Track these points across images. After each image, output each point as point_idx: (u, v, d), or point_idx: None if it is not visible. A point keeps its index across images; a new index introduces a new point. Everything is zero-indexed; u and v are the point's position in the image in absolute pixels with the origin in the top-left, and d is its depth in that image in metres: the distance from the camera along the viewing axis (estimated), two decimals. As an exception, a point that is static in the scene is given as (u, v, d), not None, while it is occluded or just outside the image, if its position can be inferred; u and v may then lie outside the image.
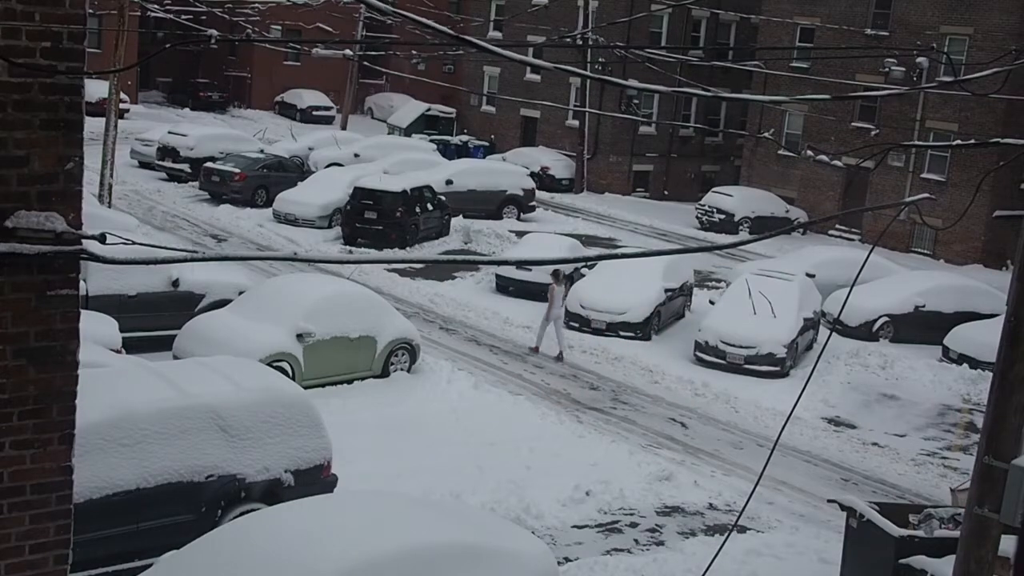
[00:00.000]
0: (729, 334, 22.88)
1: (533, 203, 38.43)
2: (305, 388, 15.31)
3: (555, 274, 23.05)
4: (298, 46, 48.25)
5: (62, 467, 5.21)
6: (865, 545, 12.68)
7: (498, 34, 50.63)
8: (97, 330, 15.72)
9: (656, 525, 15.18)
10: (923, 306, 26.73)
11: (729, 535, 10.40)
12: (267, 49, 54.95)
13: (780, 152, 43.50)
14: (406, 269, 27.99)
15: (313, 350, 18.48)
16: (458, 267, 28.51)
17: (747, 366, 22.67)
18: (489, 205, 36.63)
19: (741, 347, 22.73)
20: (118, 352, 16.09)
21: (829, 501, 14.23)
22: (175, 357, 17.65)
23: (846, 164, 40.79)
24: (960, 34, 38.76)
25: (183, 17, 28.03)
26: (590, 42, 36.80)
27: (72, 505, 5.29)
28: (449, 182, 35.42)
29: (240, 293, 20.25)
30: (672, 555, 14.00)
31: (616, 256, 7.94)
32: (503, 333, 24.08)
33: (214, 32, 13.36)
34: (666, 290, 25.13)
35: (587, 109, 38.39)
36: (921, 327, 26.47)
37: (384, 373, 19.65)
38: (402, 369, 19.93)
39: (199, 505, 11.83)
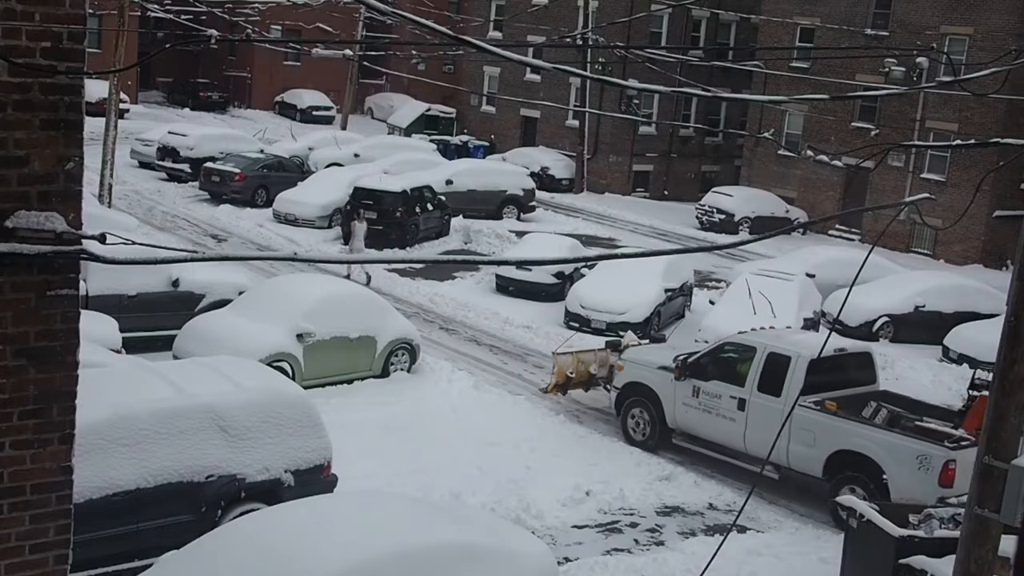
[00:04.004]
0: (729, 334, 22.84)
1: (533, 203, 38.44)
2: (305, 388, 15.31)
3: (357, 214, 27.59)
4: (298, 46, 48.24)
5: (62, 467, 5.21)
6: (865, 545, 12.68)
7: (498, 34, 50.63)
8: (97, 330, 15.72)
9: (656, 525, 15.18)
10: (923, 306, 26.73)
11: (728, 534, 10.40)
12: (267, 49, 54.96)
13: (780, 152, 43.51)
14: (406, 269, 28.00)
15: (313, 350, 18.48)
16: (458, 267, 28.51)
17: (747, 366, 22.67)
18: (489, 205, 36.63)
19: (741, 347, 22.72)
20: (118, 352, 16.09)
21: (829, 501, 14.26)
22: (175, 357, 17.65)
23: (846, 164, 40.78)
24: (960, 34, 38.76)
25: (183, 17, 28.03)
26: (590, 42, 36.80)
27: (72, 505, 5.29)
28: (449, 182, 35.43)
29: (240, 293, 20.25)
30: (672, 555, 14.00)
31: (616, 256, 7.93)
32: (503, 333, 24.07)
33: (214, 32, 13.37)
34: (666, 290, 25.13)
35: (587, 109, 38.42)
36: (921, 327, 26.46)
37: (384, 373, 19.65)
38: (402, 369, 19.93)
39: (199, 505, 11.83)
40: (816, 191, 43.47)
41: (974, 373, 17.61)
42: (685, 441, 17.70)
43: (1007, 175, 35.68)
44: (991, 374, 18.04)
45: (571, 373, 19.12)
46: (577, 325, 24.50)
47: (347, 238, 30.57)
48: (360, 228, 27.08)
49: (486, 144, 50.93)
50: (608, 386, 19.11)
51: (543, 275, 26.77)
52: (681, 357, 17.87)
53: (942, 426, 15.93)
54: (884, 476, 15.07)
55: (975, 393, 16.29)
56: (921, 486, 14.57)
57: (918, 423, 16.10)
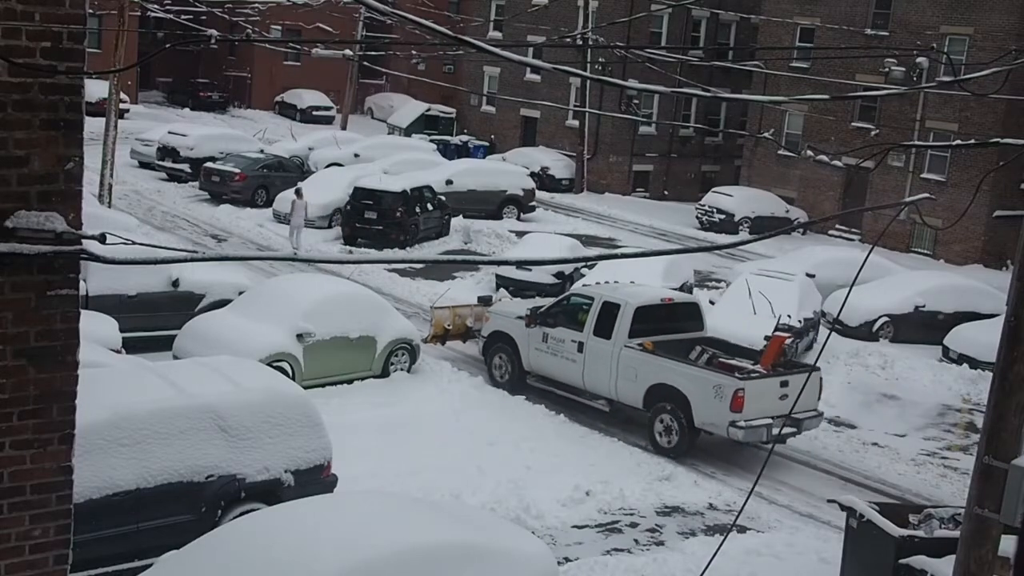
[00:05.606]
0: (729, 334, 22.85)
1: (533, 203, 38.44)
2: (305, 388, 15.30)
3: (297, 192, 28.98)
4: (298, 46, 48.25)
5: (62, 467, 5.21)
6: (865, 545, 12.68)
7: (498, 34, 50.63)
8: (97, 330, 15.71)
9: (656, 525, 15.18)
10: (923, 306, 26.73)
11: (728, 534, 10.40)
12: (267, 49, 54.97)
13: (780, 152, 43.51)
14: (406, 269, 27.99)
15: (313, 350, 18.47)
16: (458, 267, 28.51)
17: (747, 366, 22.74)
18: (489, 205, 36.63)
19: (741, 347, 22.79)
20: (118, 352, 16.09)
21: (829, 501, 14.24)
22: (175, 357, 17.65)
23: (846, 164, 40.78)
24: (960, 34, 38.76)
25: (183, 17, 28.04)
26: (590, 42, 36.80)
27: (72, 505, 5.29)
28: (449, 182, 35.43)
29: (240, 293, 20.25)
30: (672, 555, 13.99)
31: (616, 256, 7.94)
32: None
33: (214, 32, 13.38)
34: (666, 290, 25.12)
35: (587, 109, 38.39)
36: (921, 327, 26.47)
37: (384, 373, 19.64)
38: (402, 369, 19.92)
39: (199, 505, 11.83)
40: (816, 191, 43.47)
41: (779, 318, 20.28)
42: (537, 382, 19.94)
43: (1007, 175, 35.68)
44: (795, 320, 20.30)
45: (448, 326, 21.31)
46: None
47: (347, 238, 30.63)
48: (300, 204, 28.55)
49: (486, 144, 50.94)
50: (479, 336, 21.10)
51: (543, 275, 26.77)
52: (532, 307, 20.21)
53: (741, 363, 18.22)
54: (689, 405, 17.30)
55: (772, 334, 18.64)
56: (717, 412, 16.93)
57: (721, 360, 18.34)
